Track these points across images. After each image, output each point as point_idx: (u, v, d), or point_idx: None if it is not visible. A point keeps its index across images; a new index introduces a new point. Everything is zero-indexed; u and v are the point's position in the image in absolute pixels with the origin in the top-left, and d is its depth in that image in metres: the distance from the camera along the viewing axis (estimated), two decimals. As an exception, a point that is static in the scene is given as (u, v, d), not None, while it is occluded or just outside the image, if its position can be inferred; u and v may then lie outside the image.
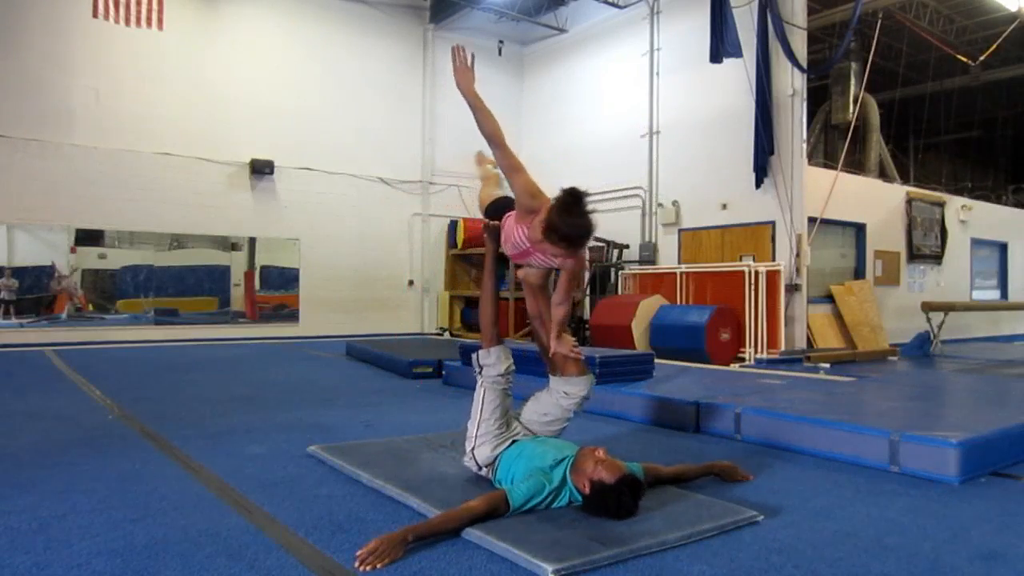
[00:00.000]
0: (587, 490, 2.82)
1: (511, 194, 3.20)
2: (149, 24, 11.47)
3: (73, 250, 11.22)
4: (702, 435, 4.75)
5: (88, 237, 11.29)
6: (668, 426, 4.97)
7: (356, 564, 2.39)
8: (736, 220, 10.79)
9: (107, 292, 11.61)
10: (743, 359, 9.40)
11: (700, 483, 3.41)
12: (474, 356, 3.40)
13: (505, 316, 12.55)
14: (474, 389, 3.38)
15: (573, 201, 2.76)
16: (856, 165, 13.61)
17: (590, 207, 2.79)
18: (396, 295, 14.00)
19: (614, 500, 2.78)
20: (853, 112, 12.58)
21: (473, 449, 3.27)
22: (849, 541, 2.69)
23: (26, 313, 10.89)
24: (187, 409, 5.51)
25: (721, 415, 4.73)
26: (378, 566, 2.38)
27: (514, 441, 3.26)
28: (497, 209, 3.46)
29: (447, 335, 13.58)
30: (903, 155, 17.99)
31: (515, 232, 3.12)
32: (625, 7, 12.74)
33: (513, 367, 3.37)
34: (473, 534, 2.61)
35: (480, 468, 3.27)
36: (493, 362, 3.31)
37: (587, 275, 11.95)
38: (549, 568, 2.30)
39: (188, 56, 11.84)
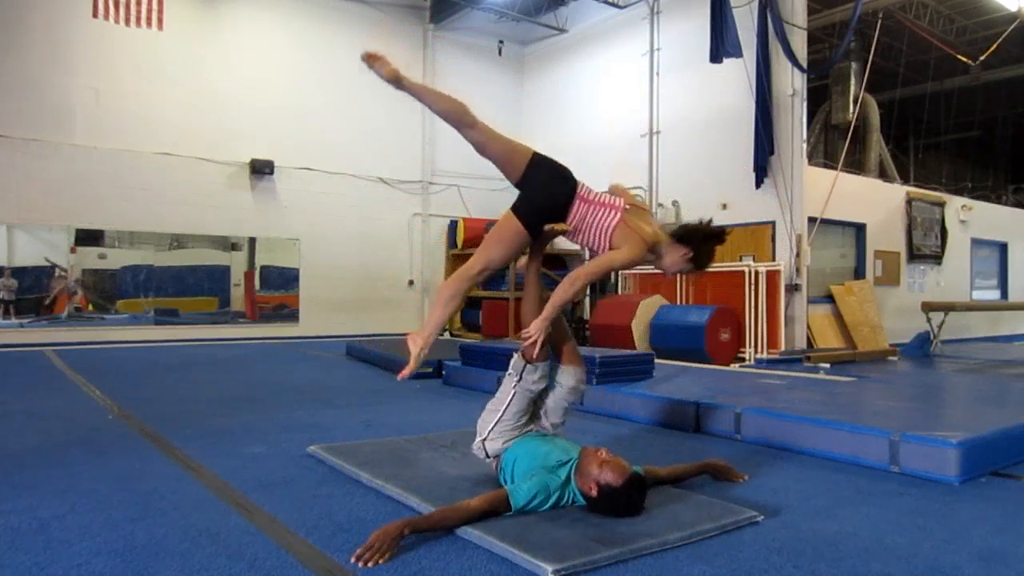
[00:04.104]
0: (594, 493, 2.81)
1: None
2: (149, 24, 11.47)
3: (73, 250, 11.22)
4: (702, 435, 4.75)
5: (88, 237, 11.29)
6: (668, 426, 4.97)
7: (352, 560, 2.39)
8: (736, 220, 10.78)
9: (107, 292, 11.61)
10: (743, 359, 9.40)
11: (699, 483, 3.41)
12: (515, 361, 3.22)
13: (506, 316, 12.55)
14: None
15: (720, 239, 3.22)
16: (856, 165, 13.61)
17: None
18: (396, 295, 14.00)
19: (624, 502, 2.79)
20: (853, 112, 12.59)
21: (484, 440, 3.24)
22: (849, 541, 2.69)
23: (26, 313, 10.90)
24: (187, 409, 5.51)
25: (721, 415, 4.73)
26: (380, 562, 2.39)
27: (524, 435, 3.23)
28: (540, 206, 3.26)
29: (447, 335, 13.58)
30: (903, 155, 18.00)
31: (602, 237, 3.18)
32: (625, 7, 12.74)
33: (549, 384, 3.28)
34: (473, 534, 2.60)
35: (488, 457, 3.25)
36: (536, 379, 3.19)
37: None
38: (549, 568, 2.30)
39: (188, 56, 11.84)
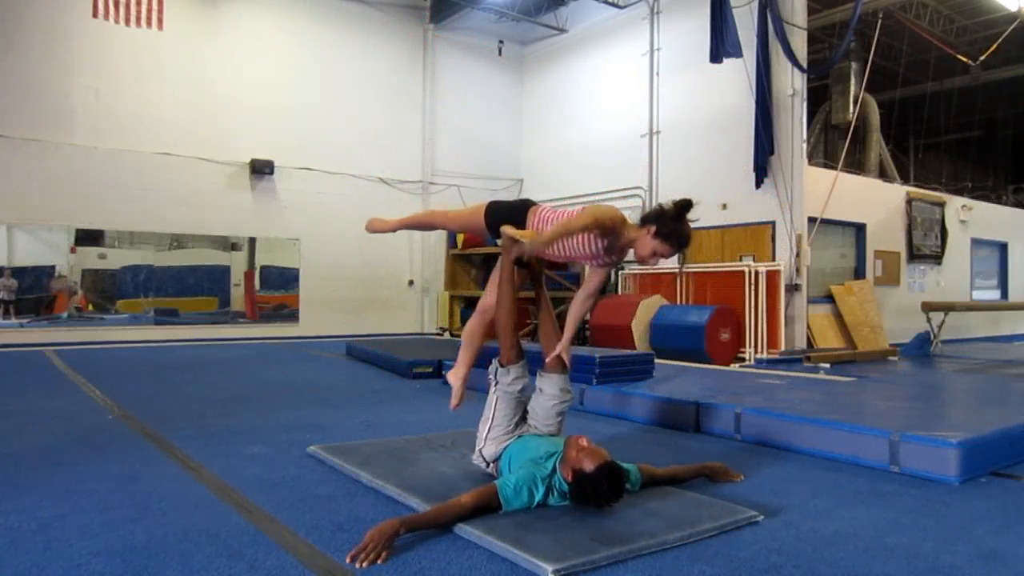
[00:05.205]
0: (570, 479, 2.83)
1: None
2: (149, 24, 11.47)
3: (73, 250, 11.22)
4: (702, 435, 4.75)
5: (88, 237, 11.29)
6: (668, 426, 4.97)
7: (348, 560, 2.39)
8: (736, 220, 10.79)
9: (107, 292, 11.61)
10: (743, 359, 9.39)
11: (698, 483, 3.41)
12: (491, 367, 3.34)
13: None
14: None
15: (687, 210, 3.11)
16: (856, 165, 13.61)
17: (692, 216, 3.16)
18: (396, 295, 14.00)
19: (592, 488, 2.75)
20: (853, 112, 12.58)
21: (482, 448, 3.31)
22: (849, 541, 2.69)
23: (26, 313, 10.90)
24: (187, 409, 5.51)
25: (721, 415, 4.73)
26: (378, 561, 2.39)
27: (519, 436, 3.27)
28: (501, 216, 3.42)
29: (447, 335, 13.58)
30: (903, 155, 17.99)
31: (589, 244, 3.17)
32: (625, 7, 12.74)
33: (529, 382, 3.33)
34: (473, 534, 2.61)
35: (488, 465, 3.30)
36: (511, 380, 3.27)
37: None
38: (549, 568, 2.30)
39: (188, 56, 11.84)
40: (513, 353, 3.29)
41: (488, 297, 3.56)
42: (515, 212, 3.40)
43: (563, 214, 3.27)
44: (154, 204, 11.53)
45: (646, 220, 3.16)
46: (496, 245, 3.56)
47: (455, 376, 3.64)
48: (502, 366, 3.28)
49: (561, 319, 3.59)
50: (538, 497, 2.85)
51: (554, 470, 2.92)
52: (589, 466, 2.76)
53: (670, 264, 11.54)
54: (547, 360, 3.42)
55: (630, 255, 3.38)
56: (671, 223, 3.11)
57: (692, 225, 3.17)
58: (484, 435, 3.29)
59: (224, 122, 12.13)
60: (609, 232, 3.13)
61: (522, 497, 2.81)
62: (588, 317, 10.97)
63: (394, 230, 3.89)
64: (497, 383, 3.29)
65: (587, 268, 3.55)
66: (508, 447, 3.22)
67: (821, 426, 4.18)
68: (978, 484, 3.55)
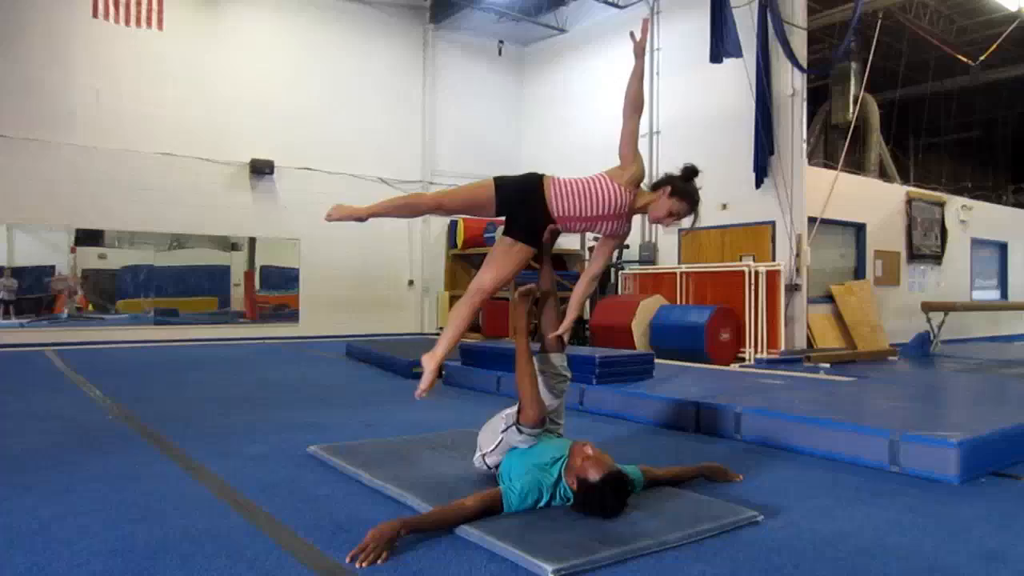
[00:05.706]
0: (575, 487, 2.82)
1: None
2: (149, 24, 11.47)
3: (73, 250, 11.23)
4: (702, 435, 4.74)
5: (88, 237, 11.30)
6: (668, 426, 4.97)
7: (347, 559, 2.39)
8: (736, 220, 10.79)
9: (107, 292, 11.61)
10: (743, 359, 9.39)
11: (698, 483, 3.41)
12: (508, 414, 3.16)
13: (506, 316, 12.53)
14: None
15: (694, 174, 3.36)
16: (856, 165, 13.61)
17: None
18: (396, 295, 14.00)
19: (596, 498, 2.75)
20: (853, 112, 12.58)
21: (484, 455, 3.27)
22: (849, 541, 2.69)
23: (26, 313, 10.90)
24: (187, 409, 5.51)
25: (721, 415, 4.72)
26: (377, 562, 2.38)
27: None
28: (512, 193, 3.33)
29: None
30: (903, 155, 17.99)
31: (616, 196, 3.30)
32: (625, 7, 12.75)
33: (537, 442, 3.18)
34: (473, 534, 2.60)
35: (489, 468, 3.27)
36: (520, 439, 3.09)
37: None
38: (549, 568, 2.30)
39: (188, 56, 11.85)
40: (533, 415, 3.03)
41: (482, 277, 3.32)
42: (529, 190, 3.29)
43: (581, 183, 3.31)
44: (154, 204, 11.53)
45: (658, 184, 3.36)
46: (499, 238, 3.47)
47: (431, 359, 3.34)
48: (518, 423, 3.08)
49: (562, 317, 3.58)
50: (542, 505, 2.85)
51: (559, 477, 2.91)
52: (594, 476, 2.75)
53: (670, 264, 11.56)
54: (546, 340, 3.42)
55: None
56: (682, 183, 3.32)
57: (694, 202, 3.37)
58: (487, 450, 3.24)
59: (224, 122, 12.13)
60: (637, 183, 3.34)
61: (527, 504, 2.81)
62: (588, 316, 10.98)
63: (364, 217, 3.27)
64: (506, 429, 3.13)
65: (592, 249, 3.58)
66: (510, 451, 3.18)
67: (821, 426, 4.18)
68: (978, 484, 3.54)
